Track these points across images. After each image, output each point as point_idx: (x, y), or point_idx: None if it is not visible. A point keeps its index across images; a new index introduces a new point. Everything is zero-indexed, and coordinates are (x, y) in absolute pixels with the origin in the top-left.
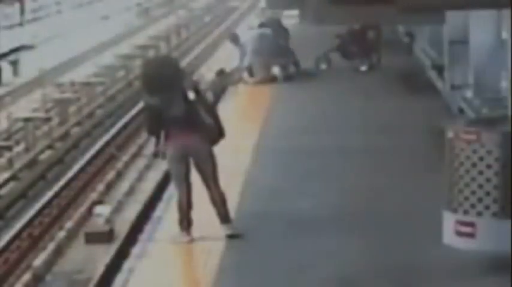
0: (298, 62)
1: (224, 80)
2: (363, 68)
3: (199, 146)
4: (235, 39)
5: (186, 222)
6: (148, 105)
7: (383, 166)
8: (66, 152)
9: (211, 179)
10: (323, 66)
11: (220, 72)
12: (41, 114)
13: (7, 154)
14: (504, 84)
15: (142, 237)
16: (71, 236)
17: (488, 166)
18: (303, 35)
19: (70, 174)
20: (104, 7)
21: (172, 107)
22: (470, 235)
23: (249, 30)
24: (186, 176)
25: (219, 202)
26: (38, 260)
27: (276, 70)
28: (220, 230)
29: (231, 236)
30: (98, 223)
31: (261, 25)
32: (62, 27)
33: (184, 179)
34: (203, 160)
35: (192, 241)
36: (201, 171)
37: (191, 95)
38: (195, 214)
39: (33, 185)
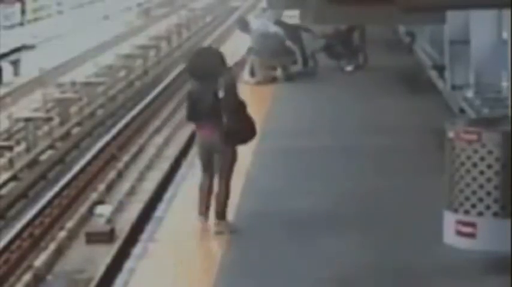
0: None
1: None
2: (349, 68)
3: (220, 143)
4: (243, 25)
5: (204, 206)
6: (190, 91)
7: (384, 165)
8: (67, 152)
9: (223, 176)
10: (310, 66)
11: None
12: (41, 114)
13: (8, 154)
14: (505, 84)
15: (143, 237)
16: (72, 236)
17: (489, 166)
18: None
19: (71, 174)
20: (104, 7)
21: (204, 99)
22: (471, 235)
23: (258, 19)
24: (209, 164)
25: (222, 200)
26: (39, 261)
27: (277, 70)
28: (213, 226)
29: (219, 233)
30: (98, 223)
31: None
32: (62, 27)
33: (208, 167)
34: (223, 156)
35: (206, 226)
36: (219, 164)
37: (221, 93)
38: (195, 214)
39: (33, 185)
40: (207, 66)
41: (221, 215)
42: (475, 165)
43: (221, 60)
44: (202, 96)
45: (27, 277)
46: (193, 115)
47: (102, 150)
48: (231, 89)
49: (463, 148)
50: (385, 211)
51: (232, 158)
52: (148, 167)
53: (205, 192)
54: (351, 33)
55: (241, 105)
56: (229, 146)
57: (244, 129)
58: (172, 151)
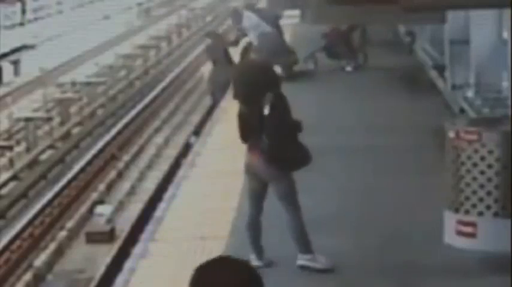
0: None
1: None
2: (348, 68)
3: (261, 168)
4: (236, 17)
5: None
6: (238, 113)
7: (384, 165)
8: (67, 152)
9: (283, 202)
10: (310, 66)
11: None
12: (42, 114)
13: (8, 154)
14: (505, 83)
15: (143, 237)
16: (72, 236)
17: (489, 166)
18: (292, 35)
19: (71, 174)
20: (105, 7)
21: (250, 121)
22: (471, 235)
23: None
24: (255, 193)
25: (291, 229)
26: (39, 260)
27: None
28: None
29: (301, 267)
30: (99, 222)
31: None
32: (63, 27)
33: (252, 197)
34: (270, 182)
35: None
36: (276, 194)
37: (266, 110)
38: (195, 214)
39: (33, 185)
40: (249, 89)
41: (299, 247)
42: (475, 165)
43: (266, 78)
44: (248, 118)
45: (27, 276)
46: (243, 137)
47: (102, 150)
48: (277, 108)
49: (464, 148)
50: (385, 210)
51: (287, 186)
52: (149, 167)
53: (250, 230)
54: (351, 33)
55: (291, 127)
56: (277, 172)
57: (291, 154)
58: (172, 151)
